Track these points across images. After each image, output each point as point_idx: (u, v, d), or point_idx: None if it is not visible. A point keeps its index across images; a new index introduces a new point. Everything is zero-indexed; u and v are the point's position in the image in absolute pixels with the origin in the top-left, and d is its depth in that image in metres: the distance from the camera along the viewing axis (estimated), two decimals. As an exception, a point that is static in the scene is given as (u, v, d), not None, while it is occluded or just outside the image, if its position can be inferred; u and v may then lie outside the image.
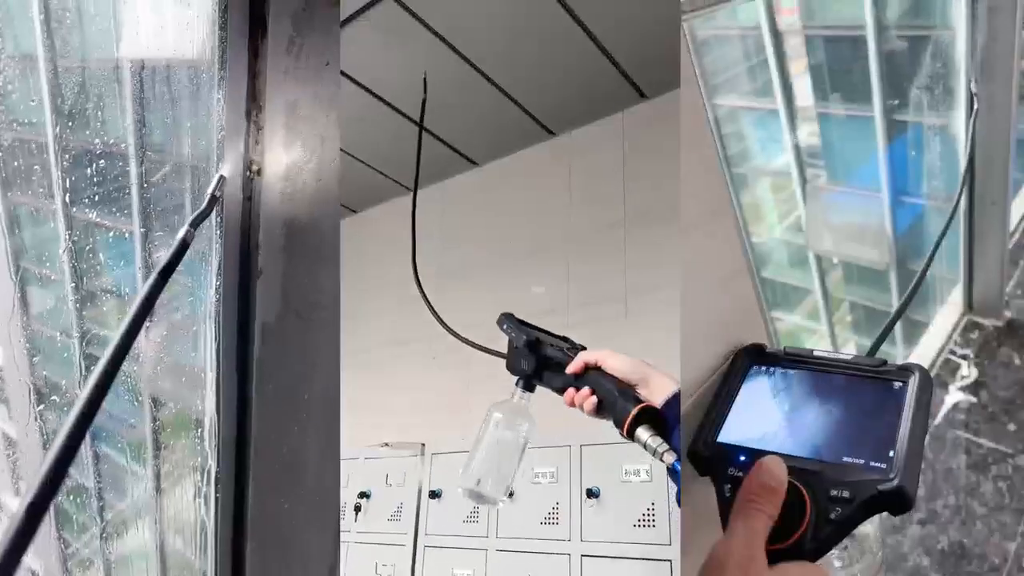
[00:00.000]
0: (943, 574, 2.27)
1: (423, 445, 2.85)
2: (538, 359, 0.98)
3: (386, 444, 2.89)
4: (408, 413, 3.06)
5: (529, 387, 1.00)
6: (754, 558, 0.59)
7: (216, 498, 1.23)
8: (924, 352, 2.76)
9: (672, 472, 0.82)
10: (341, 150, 2.93)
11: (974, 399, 2.60)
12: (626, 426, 0.86)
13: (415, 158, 2.71)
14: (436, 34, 2.23)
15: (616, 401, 0.88)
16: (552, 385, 0.97)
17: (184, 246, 0.99)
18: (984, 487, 2.42)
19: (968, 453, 2.51)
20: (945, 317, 2.85)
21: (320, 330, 1.14)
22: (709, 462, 0.75)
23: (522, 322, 1.03)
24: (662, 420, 0.85)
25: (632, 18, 2.17)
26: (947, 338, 2.74)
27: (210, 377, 1.21)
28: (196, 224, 1.04)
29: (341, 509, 3.04)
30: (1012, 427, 2.52)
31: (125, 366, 1.31)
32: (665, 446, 0.82)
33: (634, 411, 0.85)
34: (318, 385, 1.15)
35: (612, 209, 2.68)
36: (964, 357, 2.71)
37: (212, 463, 1.23)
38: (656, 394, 0.87)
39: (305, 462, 1.17)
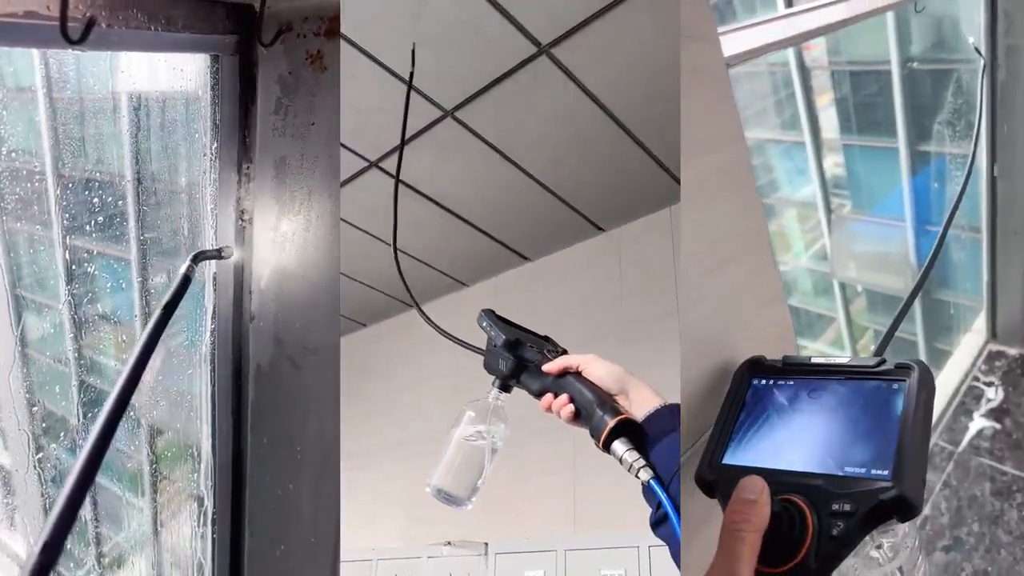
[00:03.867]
0: (968, 600, 2.28)
1: (486, 544, 2.78)
2: (516, 359, 0.91)
3: (448, 543, 2.82)
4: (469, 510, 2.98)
5: (505, 388, 0.93)
6: None
7: (213, 538, 1.25)
8: (948, 379, 2.79)
9: (647, 491, 0.77)
10: (401, 250, 3.13)
11: (998, 426, 2.62)
12: (603, 438, 0.80)
13: (470, 256, 3.00)
14: (489, 144, 2.40)
15: (594, 411, 0.82)
16: (530, 388, 0.91)
17: (186, 281, 1.01)
18: (1008, 515, 2.43)
19: (992, 480, 2.52)
20: (968, 345, 2.88)
21: (314, 375, 1.15)
22: (715, 486, 0.73)
23: (504, 320, 0.97)
24: (641, 434, 0.80)
25: (674, 122, 2.35)
26: (971, 365, 2.77)
27: (205, 418, 1.24)
28: (197, 260, 1.06)
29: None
30: (1036, 455, 2.53)
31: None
32: (641, 462, 0.77)
33: (612, 423, 0.80)
34: (312, 430, 1.16)
35: (664, 300, 2.68)
36: (989, 384, 2.73)
37: (208, 503, 1.25)
38: (638, 407, 0.82)
39: (300, 506, 1.18)
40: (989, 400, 2.69)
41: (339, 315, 1.15)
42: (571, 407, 0.85)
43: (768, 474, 0.67)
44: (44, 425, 1.35)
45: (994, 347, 2.84)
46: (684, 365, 0.81)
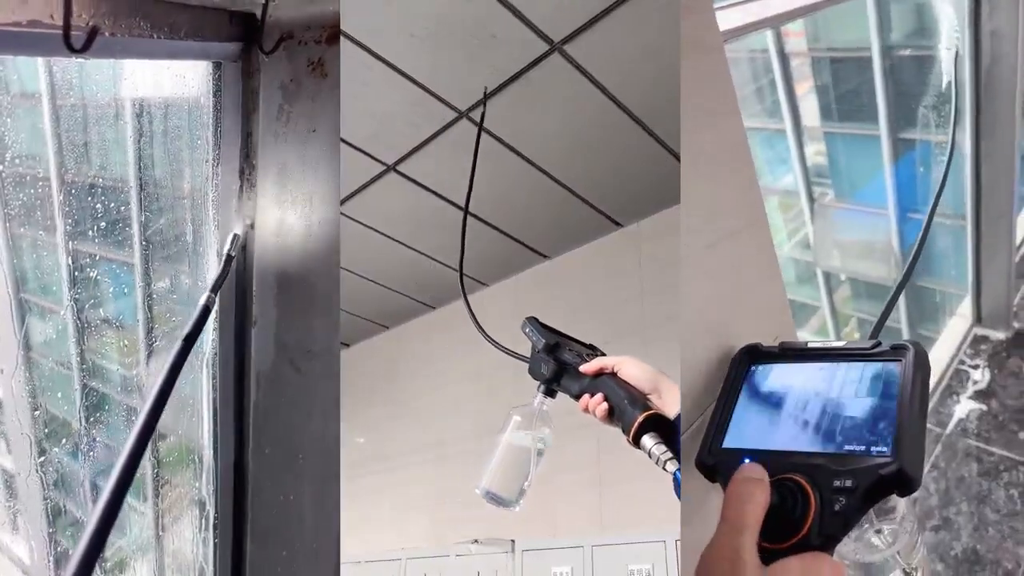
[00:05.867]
0: (958, 579, 2.32)
1: (513, 542, 2.80)
2: (557, 364, 0.95)
3: (476, 541, 2.84)
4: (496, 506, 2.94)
5: (550, 392, 0.97)
6: (741, 557, 0.57)
7: (215, 543, 1.25)
8: (934, 363, 2.82)
9: (677, 484, 0.80)
10: (418, 251, 3.10)
11: (984, 407, 2.66)
12: (632, 432, 0.84)
13: (490, 255, 3.00)
14: (504, 143, 2.40)
15: (625, 408, 0.86)
16: (570, 391, 0.95)
17: (206, 312, 1.03)
18: (996, 494, 2.47)
19: (979, 461, 2.56)
20: (954, 329, 2.92)
21: (315, 380, 1.15)
22: (715, 469, 0.74)
23: (546, 327, 1.01)
24: (671, 430, 0.83)
25: None
26: (957, 349, 2.81)
27: (207, 422, 1.25)
28: (216, 289, 1.07)
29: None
30: (1022, 435, 2.57)
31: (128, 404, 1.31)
32: (669, 454, 0.81)
33: (640, 418, 0.83)
34: (313, 434, 1.16)
35: None
36: (975, 367, 2.78)
37: (210, 508, 1.25)
38: (669, 405, 0.86)
39: (302, 511, 1.18)
40: (975, 382, 2.73)
41: (339, 320, 1.15)
42: (605, 405, 0.88)
43: (769, 455, 0.70)
44: (47, 429, 1.34)
45: (979, 331, 2.89)
46: (683, 342, 0.82)
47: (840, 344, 0.79)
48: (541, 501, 2.74)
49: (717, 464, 0.74)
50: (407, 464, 3.60)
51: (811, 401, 0.75)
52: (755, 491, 0.62)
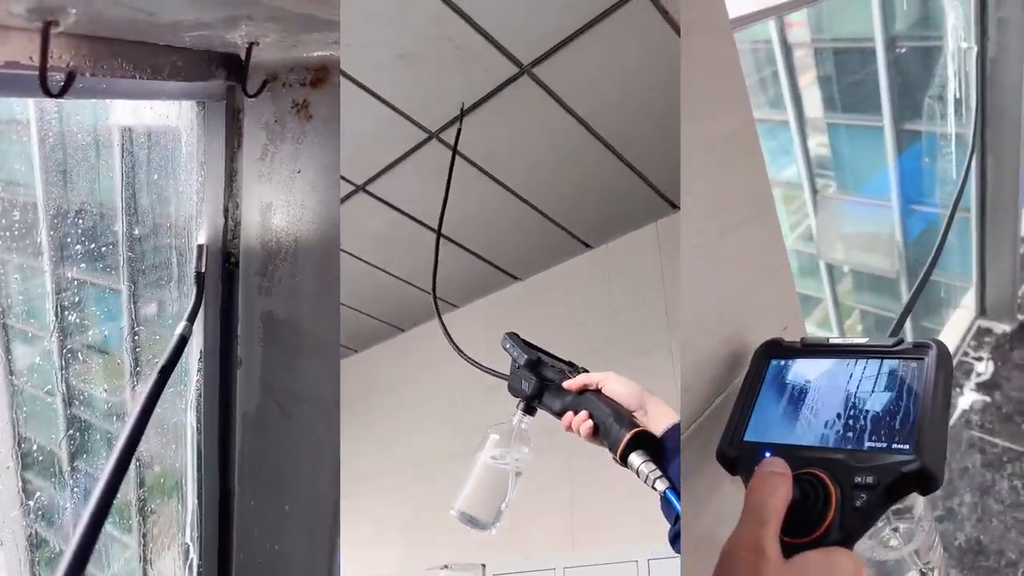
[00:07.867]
0: (961, 570, 2.32)
1: (484, 566, 2.74)
2: (539, 380, 0.94)
3: (445, 567, 2.77)
4: (466, 530, 2.87)
5: (530, 410, 0.95)
6: (763, 549, 0.57)
7: None
8: (938, 355, 2.82)
9: (665, 504, 0.79)
10: (389, 273, 3.12)
11: (988, 399, 2.66)
12: (620, 451, 0.82)
13: (459, 277, 3.05)
14: (475, 165, 2.42)
15: (612, 426, 0.84)
16: (551, 408, 0.93)
17: (183, 342, 1.01)
18: (999, 485, 2.48)
19: (983, 452, 2.57)
20: (957, 321, 2.92)
21: (304, 425, 1.13)
22: (737, 462, 0.75)
23: (527, 343, 0.99)
24: (659, 447, 0.82)
25: (657, 137, 2.40)
26: (961, 341, 2.81)
27: (191, 466, 1.21)
28: (192, 318, 1.06)
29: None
30: (1026, 427, 2.58)
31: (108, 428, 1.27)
32: (658, 473, 0.79)
33: (628, 435, 0.82)
34: (304, 481, 1.13)
35: (656, 313, 2.68)
36: (978, 359, 2.78)
37: (194, 555, 1.22)
38: (655, 422, 0.85)
39: (290, 560, 1.15)
40: (979, 374, 2.73)
41: (338, 363, 1.13)
42: (589, 423, 0.87)
43: (790, 449, 0.71)
44: (30, 456, 1.31)
45: (983, 323, 2.89)
46: (685, 337, 0.82)
47: (862, 341, 0.79)
48: (512, 523, 2.72)
49: (739, 457, 0.75)
50: (375, 487, 3.59)
51: (832, 397, 0.75)
52: (778, 485, 0.63)
